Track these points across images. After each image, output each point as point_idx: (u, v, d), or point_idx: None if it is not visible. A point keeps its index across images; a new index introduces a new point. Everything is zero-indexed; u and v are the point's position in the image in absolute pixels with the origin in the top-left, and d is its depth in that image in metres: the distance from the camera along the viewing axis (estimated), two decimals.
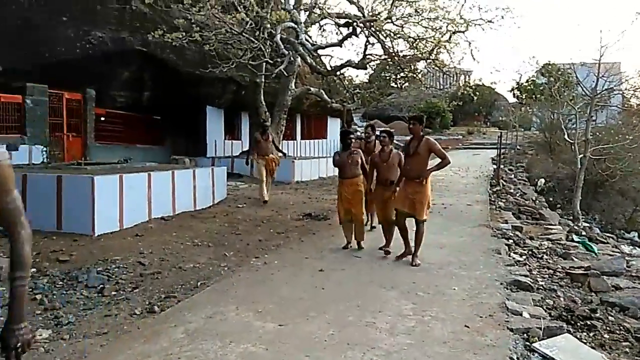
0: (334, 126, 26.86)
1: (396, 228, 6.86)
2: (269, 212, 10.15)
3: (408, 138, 6.91)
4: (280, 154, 11.91)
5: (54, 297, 5.24)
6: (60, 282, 5.70)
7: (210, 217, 9.34)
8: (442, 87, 37.20)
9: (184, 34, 12.19)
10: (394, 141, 7.52)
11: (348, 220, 7.30)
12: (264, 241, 7.88)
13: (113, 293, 5.39)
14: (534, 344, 4.02)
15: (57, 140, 13.19)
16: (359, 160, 7.19)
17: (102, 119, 15.27)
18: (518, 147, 27.24)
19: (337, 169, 7.50)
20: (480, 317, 4.57)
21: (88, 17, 13.21)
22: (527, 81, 31.06)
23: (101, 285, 5.56)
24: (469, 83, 32.20)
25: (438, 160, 6.69)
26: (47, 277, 5.81)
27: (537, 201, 15.28)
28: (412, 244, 6.60)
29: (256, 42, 12.63)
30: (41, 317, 4.70)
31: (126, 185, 8.02)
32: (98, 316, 4.76)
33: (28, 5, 12.46)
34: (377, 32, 13.48)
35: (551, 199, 18.22)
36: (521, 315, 4.64)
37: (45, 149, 11.71)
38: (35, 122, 12.46)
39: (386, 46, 14.20)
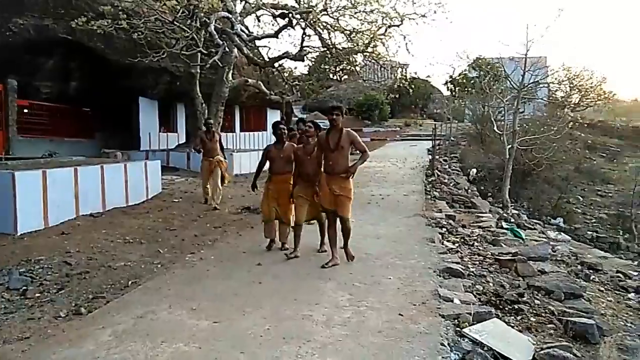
0: (273, 118, 26.59)
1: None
2: (206, 207, 9.94)
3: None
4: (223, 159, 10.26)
5: None
6: None
7: (143, 212, 9.02)
8: (379, 79, 37.74)
9: (110, 21, 11.64)
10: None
11: (272, 219, 6.86)
12: (200, 236, 7.71)
13: (37, 295, 5.12)
14: (464, 330, 4.15)
15: None
16: (291, 155, 6.67)
17: (26, 111, 14.41)
18: (452, 138, 28.12)
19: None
20: (414, 305, 4.67)
21: (8, 3, 12.40)
22: (459, 75, 32.09)
23: (24, 287, 5.28)
24: (405, 76, 32.85)
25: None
26: None
27: (470, 190, 15.86)
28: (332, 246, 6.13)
29: (189, 31, 12.27)
30: None
31: (50, 181, 7.60)
32: (20, 320, 4.52)
33: None
34: (314, 24, 13.46)
35: (482, 188, 18.98)
36: (452, 301, 4.79)
37: None
38: None
39: (323, 38, 14.22)
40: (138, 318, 4.34)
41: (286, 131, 7.08)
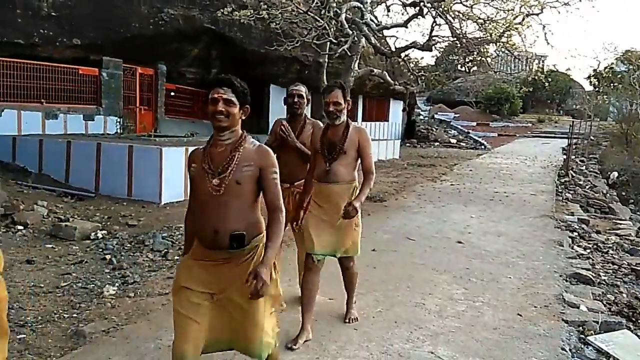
0: (396, 109, 26.50)
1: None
2: None
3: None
4: None
5: (122, 257, 5.62)
6: (128, 245, 6.10)
7: None
8: (512, 72, 35.74)
9: (252, 11, 12.38)
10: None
11: None
12: None
13: (176, 257, 5.67)
14: (589, 337, 3.91)
15: (130, 112, 13.84)
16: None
17: (172, 94, 15.84)
18: (592, 137, 25.87)
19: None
20: (535, 307, 4.48)
21: None
22: (605, 68, 29.29)
23: (165, 250, 5.89)
24: (542, 68, 30.71)
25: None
26: (116, 239, 6.23)
27: (608, 195, 14.51)
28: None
29: (321, 21, 12.63)
30: (109, 275, 5.07)
31: None
32: (161, 278, 5.06)
33: None
34: (445, 13, 13.12)
35: (624, 194, 17.23)
36: (578, 308, 4.51)
37: (119, 120, 12.32)
38: (110, 94, 13.10)
39: (454, 27, 13.80)
40: None
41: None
